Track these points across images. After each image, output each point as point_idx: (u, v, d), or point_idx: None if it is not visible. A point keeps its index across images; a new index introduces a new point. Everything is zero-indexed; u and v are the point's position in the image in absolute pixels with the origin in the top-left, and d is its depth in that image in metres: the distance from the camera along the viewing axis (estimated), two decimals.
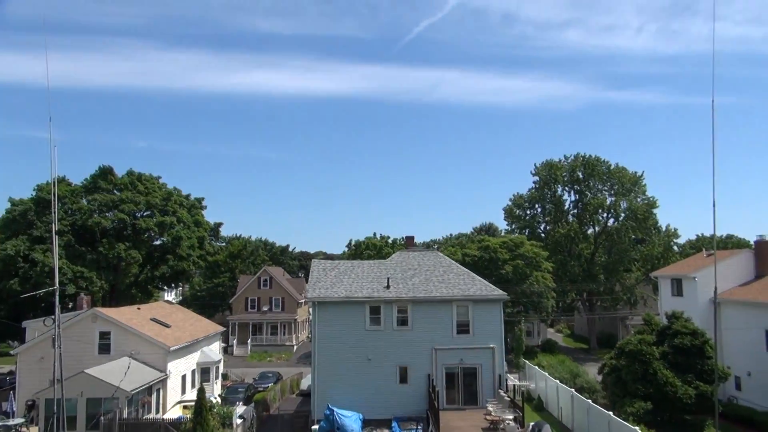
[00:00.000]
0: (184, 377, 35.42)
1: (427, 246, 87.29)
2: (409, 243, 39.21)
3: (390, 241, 73.93)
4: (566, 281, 61.58)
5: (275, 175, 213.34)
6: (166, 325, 36.93)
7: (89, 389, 27.26)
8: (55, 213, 13.98)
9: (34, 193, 52.79)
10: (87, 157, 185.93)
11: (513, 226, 67.81)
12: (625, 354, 28.06)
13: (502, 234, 74.21)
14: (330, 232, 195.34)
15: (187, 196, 63.31)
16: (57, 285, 13.39)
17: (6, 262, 47.50)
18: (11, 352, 34.24)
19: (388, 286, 31.50)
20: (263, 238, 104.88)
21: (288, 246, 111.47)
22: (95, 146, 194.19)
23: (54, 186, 15.16)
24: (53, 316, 13.59)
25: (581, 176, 64.20)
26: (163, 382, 32.33)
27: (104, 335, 32.50)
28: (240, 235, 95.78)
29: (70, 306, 53.35)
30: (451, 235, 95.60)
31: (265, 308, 66.52)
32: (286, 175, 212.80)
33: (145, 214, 56.38)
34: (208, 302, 73.87)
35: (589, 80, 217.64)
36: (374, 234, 74.87)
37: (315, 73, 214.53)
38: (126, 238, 54.38)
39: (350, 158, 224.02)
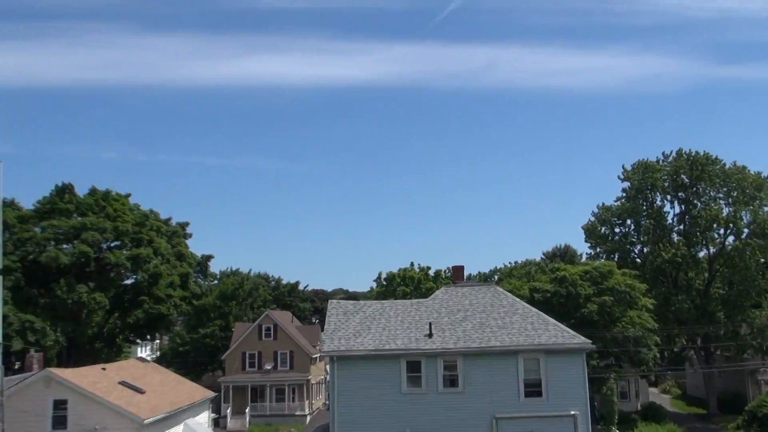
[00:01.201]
0: None
1: (483, 279, 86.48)
2: (457, 275, 38.87)
3: (432, 273, 73.39)
4: (673, 322, 60.12)
5: (281, 192, 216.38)
6: (140, 391, 37.27)
7: None
8: (1, 237, 14.09)
9: None
10: (42, 175, 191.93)
11: (597, 250, 66.78)
12: (759, 420, 27.01)
13: (583, 260, 72.99)
14: (353, 263, 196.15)
15: (167, 221, 64.28)
16: (0, 339, 13.41)
17: None
18: None
19: (430, 335, 31.24)
20: (265, 273, 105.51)
21: (298, 283, 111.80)
22: (52, 160, 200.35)
23: None
24: None
25: (687, 181, 63.08)
26: None
27: (60, 404, 32.78)
28: (236, 270, 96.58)
29: (17, 366, 54.25)
30: (514, 263, 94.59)
31: (268, 366, 66.46)
32: (296, 192, 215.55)
33: (113, 244, 57.43)
34: (193, 359, 74.14)
35: (697, 53, 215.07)
36: (411, 264, 74.49)
37: (332, 56, 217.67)
38: (89, 277, 55.17)
39: (380, 166, 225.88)
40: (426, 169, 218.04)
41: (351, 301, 37.34)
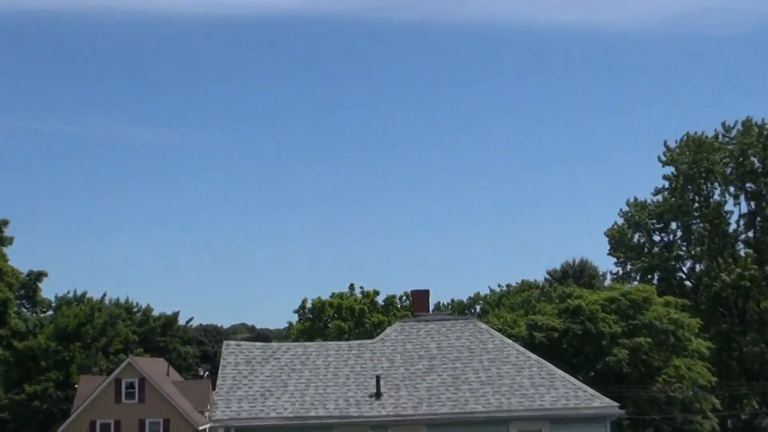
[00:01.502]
0: None
1: (459, 310, 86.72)
2: (419, 304, 38.71)
3: (381, 300, 73.34)
4: (739, 376, 60.82)
5: (151, 177, 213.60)
6: None
7: None
8: None
9: None
10: None
11: (628, 267, 67.40)
12: None
13: (607, 282, 73.64)
14: (263, 289, 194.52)
15: None
16: None
17: None
18: None
19: (378, 394, 31.06)
20: (127, 301, 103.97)
21: (177, 316, 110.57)
22: None
23: None
24: None
25: (759, 165, 63.94)
26: None
27: None
28: (81, 296, 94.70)
29: None
30: (505, 287, 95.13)
31: None
32: (175, 176, 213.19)
33: None
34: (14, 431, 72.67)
35: None
36: (351, 288, 74.36)
37: None
38: None
39: (301, 143, 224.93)
40: (370, 147, 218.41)
41: (258, 344, 36.85)
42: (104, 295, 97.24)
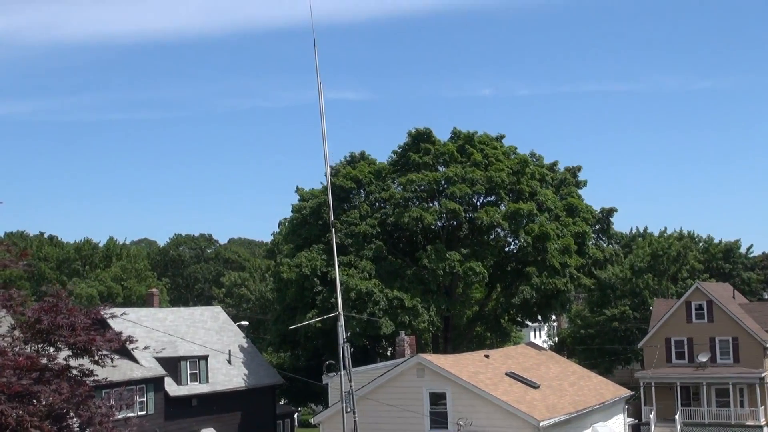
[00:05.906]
0: None
1: None
2: None
3: None
4: None
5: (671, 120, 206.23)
6: (533, 385, 38.50)
7: None
8: (329, 191, 14.57)
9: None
10: (401, 122, 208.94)
11: None
12: None
13: None
14: None
15: (552, 166, 64.83)
16: (340, 310, 13.77)
17: (301, 286, 55.14)
18: (311, 421, 39.19)
19: None
20: (691, 232, 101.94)
21: (738, 244, 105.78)
22: (411, 104, 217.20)
23: (324, 147, 15.79)
24: (335, 363, 14.02)
25: None
26: None
27: (437, 398, 35.35)
28: (643, 231, 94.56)
29: (388, 353, 59.56)
30: None
31: (702, 357, 64.31)
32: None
33: (486, 200, 59.64)
34: (599, 347, 74.30)
35: None
36: None
37: None
38: (461, 242, 57.94)
39: None
40: None
41: None
42: (664, 228, 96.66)
